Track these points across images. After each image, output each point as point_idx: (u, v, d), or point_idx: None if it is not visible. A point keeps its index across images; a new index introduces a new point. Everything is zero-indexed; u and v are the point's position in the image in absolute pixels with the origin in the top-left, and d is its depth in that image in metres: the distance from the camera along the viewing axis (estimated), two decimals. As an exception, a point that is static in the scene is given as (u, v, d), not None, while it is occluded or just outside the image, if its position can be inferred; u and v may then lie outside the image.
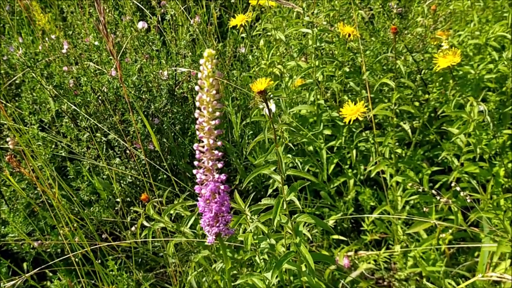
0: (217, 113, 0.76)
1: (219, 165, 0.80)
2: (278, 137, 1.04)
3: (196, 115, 0.77)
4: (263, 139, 1.04)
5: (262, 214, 1.13)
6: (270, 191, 1.37)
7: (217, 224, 0.84)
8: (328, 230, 1.11)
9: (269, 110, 0.92)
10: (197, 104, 0.76)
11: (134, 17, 2.20)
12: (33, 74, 1.67)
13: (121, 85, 1.78)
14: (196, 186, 0.83)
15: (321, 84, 1.98)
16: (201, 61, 0.73)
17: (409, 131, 1.63)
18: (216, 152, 0.80)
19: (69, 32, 2.58)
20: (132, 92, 1.79)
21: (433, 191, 1.34)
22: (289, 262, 1.19)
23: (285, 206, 1.09)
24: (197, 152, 0.80)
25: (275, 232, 1.35)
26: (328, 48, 2.07)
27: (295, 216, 1.13)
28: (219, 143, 0.79)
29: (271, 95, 1.65)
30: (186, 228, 1.42)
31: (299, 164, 1.16)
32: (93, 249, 1.72)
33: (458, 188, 1.31)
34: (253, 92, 2.14)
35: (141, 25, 2.14)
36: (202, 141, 0.79)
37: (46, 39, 2.30)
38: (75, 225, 1.31)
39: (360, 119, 1.53)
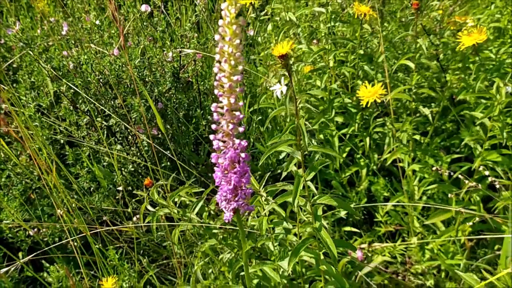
0: (240, 67, 0.66)
1: (240, 129, 0.70)
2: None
3: (215, 69, 0.67)
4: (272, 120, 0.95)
5: (278, 196, 1.03)
6: (284, 173, 1.27)
7: (236, 198, 0.75)
8: (352, 212, 1.02)
9: (291, 76, 0.82)
10: (217, 57, 0.66)
11: (137, 1, 2.11)
12: (31, 53, 1.58)
13: (126, 65, 1.68)
14: (213, 154, 0.73)
15: (332, 69, 1.89)
16: (223, 5, 0.63)
17: (430, 116, 1.53)
18: (237, 113, 0.70)
19: (69, 19, 2.49)
20: (135, 74, 1.69)
21: (460, 176, 1.25)
22: (306, 250, 1.10)
23: (304, 186, 0.99)
24: (214, 114, 0.70)
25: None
26: (340, 32, 1.97)
27: (315, 197, 1.03)
28: (240, 103, 0.69)
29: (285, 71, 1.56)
30: (193, 214, 1.32)
31: (314, 143, 1.06)
32: (93, 237, 1.62)
33: (487, 173, 1.22)
34: (261, 76, 2.05)
35: (144, 8, 2.04)
36: (221, 101, 0.70)
37: (45, 22, 2.21)
38: (73, 205, 1.21)
39: (378, 101, 1.44)
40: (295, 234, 1.48)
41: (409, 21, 1.59)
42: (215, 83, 0.68)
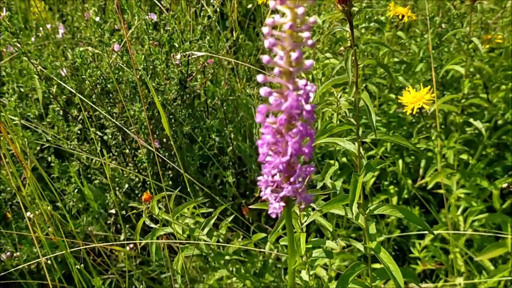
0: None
1: (308, 63, 0.46)
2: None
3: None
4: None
5: (324, 204, 0.78)
6: (320, 185, 1.03)
7: (291, 179, 0.49)
8: (426, 229, 0.77)
9: (352, 28, 0.60)
10: None
11: (144, 7, 1.92)
12: (18, 45, 1.35)
13: (126, 66, 1.46)
14: (260, 107, 0.48)
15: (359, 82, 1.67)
16: None
17: (483, 129, 1.30)
18: (304, 35, 0.46)
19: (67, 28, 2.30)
20: (138, 75, 1.47)
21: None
22: (354, 281, 0.83)
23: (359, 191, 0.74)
24: (268, 38, 0.46)
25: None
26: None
27: (372, 207, 0.78)
28: (312, 19, 0.45)
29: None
30: (203, 234, 1.06)
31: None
32: (77, 268, 1.35)
33: None
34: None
35: (151, 16, 1.85)
36: (279, 19, 0.45)
37: (40, 29, 2.01)
38: (48, 209, 0.95)
39: (426, 107, 1.21)
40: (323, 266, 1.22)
41: (457, 20, 1.38)
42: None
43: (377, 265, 1.43)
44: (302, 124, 0.47)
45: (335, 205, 0.77)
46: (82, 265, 0.95)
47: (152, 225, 1.04)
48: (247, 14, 2.76)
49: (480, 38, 1.70)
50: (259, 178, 0.51)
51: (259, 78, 0.46)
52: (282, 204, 0.51)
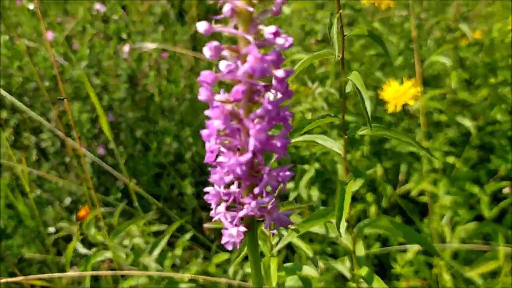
0: None
1: (274, 8, 0.28)
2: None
3: None
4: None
5: (301, 221, 0.60)
6: (292, 196, 0.85)
7: (255, 191, 0.31)
8: (427, 248, 0.60)
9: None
10: None
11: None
12: None
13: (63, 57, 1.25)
14: (205, 74, 0.29)
15: (331, 79, 1.51)
16: None
17: (471, 127, 1.15)
18: None
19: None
20: (80, 70, 1.26)
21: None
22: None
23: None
24: None
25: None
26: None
27: (360, 224, 0.61)
28: None
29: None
30: (150, 259, 0.86)
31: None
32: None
33: None
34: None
35: (98, 6, 1.65)
36: None
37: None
38: None
39: (411, 104, 1.05)
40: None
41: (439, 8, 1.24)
42: None
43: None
44: (271, 101, 0.29)
45: (315, 223, 0.59)
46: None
47: (85, 251, 0.84)
48: (209, 11, 2.59)
49: (460, 31, 1.58)
50: (207, 189, 0.32)
51: (201, 26, 0.28)
52: (243, 229, 0.32)
